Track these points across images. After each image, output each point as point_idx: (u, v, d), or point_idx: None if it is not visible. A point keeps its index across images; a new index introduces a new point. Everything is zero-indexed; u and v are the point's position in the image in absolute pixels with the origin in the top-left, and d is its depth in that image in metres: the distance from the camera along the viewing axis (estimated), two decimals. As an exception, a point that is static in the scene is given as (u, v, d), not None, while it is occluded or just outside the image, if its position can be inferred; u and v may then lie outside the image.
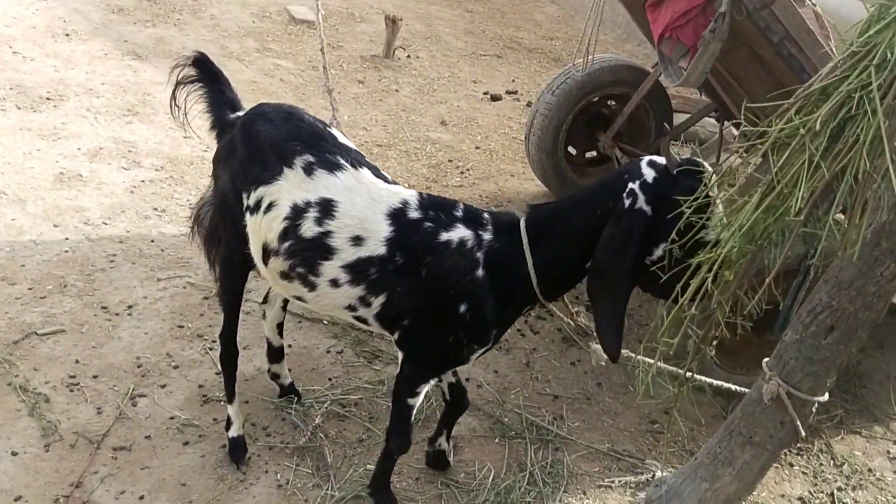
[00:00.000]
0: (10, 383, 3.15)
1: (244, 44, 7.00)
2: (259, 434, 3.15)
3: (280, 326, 3.19)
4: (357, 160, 2.52)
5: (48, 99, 5.39)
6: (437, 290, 2.41)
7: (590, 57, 4.34)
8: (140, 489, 2.82)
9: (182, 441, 3.05)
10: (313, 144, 2.48)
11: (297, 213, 2.43)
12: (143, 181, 4.70)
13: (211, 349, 3.52)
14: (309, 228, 2.42)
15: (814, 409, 2.73)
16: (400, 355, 2.62)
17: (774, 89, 3.70)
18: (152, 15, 7.12)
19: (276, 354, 3.25)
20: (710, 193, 2.25)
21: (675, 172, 2.33)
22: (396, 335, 2.56)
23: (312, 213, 2.41)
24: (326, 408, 3.30)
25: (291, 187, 2.44)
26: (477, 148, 6.05)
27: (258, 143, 2.52)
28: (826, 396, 2.69)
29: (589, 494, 3.16)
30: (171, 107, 2.83)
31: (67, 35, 6.38)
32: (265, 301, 3.17)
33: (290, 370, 3.37)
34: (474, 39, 8.41)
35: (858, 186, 1.89)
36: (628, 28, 8.60)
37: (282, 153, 2.47)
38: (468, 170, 5.68)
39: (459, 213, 2.48)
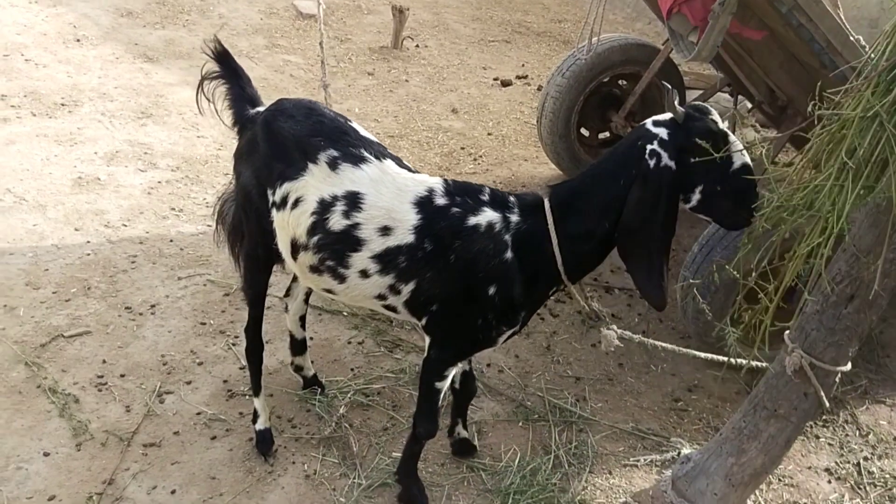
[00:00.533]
0: (39, 385, 3.21)
1: (253, 41, 7.03)
2: (285, 426, 3.19)
3: (302, 319, 3.23)
4: (380, 152, 2.54)
5: (63, 105, 5.45)
6: (467, 274, 2.43)
7: (598, 37, 4.31)
8: (171, 484, 2.86)
9: (210, 436, 3.09)
10: (336, 139, 2.51)
11: (325, 207, 2.46)
12: (159, 182, 4.75)
13: (234, 345, 3.57)
14: (337, 222, 2.44)
15: (837, 380, 2.71)
16: (427, 340, 2.65)
17: (786, 60, 3.69)
18: (161, 17, 7.17)
19: (299, 347, 3.28)
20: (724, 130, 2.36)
21: (682, 121, 2.37)
22: (424, 320, 2.59)
23: (340, 207, 2.44)
24: (350, 398, 3.33)
25: (317, 182, 2.47)
26: (489, 134, 6.04)
27: (281, 140, 2.54)
28: (849, 366, 2.68)
29: (615, 474, 3.17)
30: (197, 102, 2.84)
31: (78, 41, 6.44)
32: (287, 294, 3.20)
33: (312, 362, 3.40)
34: (482, 26, 8.38)
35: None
36: (637, 7, 8.54)
37: (305, 149, 2.50)
38: (481, 156, 5.68)
39: (486, 197, 2.49)
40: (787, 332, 2.79)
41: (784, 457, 3.03)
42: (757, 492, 3.09)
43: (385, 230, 2.43)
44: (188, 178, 4.84)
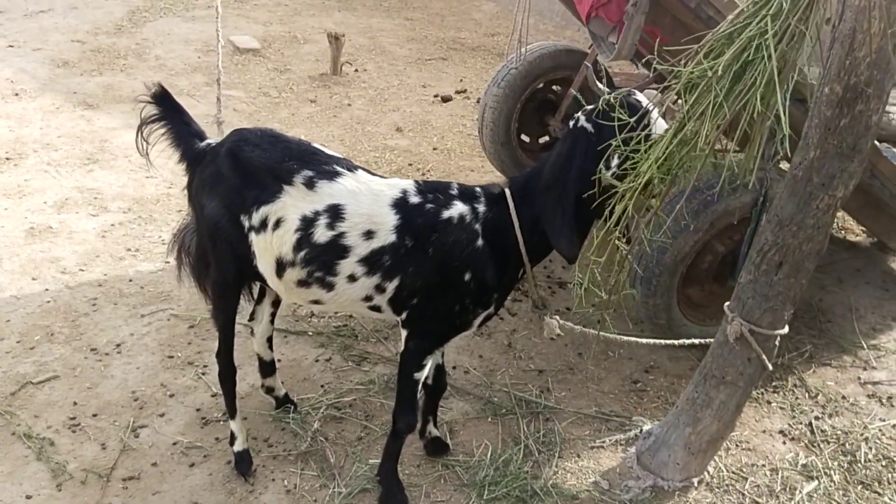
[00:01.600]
0: (13, 433, 3.23)
1: (192, 79, 7.10)
2: (262, 446, 3.26)
3: (270, 341, 3.31)
4: (350, 165, 2.73)
5: (7, 159, 5.45)
6: (445, 264, 2.63)
7: (526, 47, 4.51)
8: (154, 513, 2.92)
9: (188, 463, 3.15)
10: (307, 160, 2.68)
11: (308, 223, 2.61)
12: (112, 225, 4.79)
13: (203, 374, 3.63)
14: (322, 234, 2.61)
15: (777, 343, 2.90)
16: (403, 334, 2.79)
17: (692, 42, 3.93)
18: (98, 64, 7.20)
19: (268, 368, 3.36)
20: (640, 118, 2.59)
21: (609, 98, 2.59)
22: (405, 314, 2.75)
23: (323, 220, 2.60)
24: (323, 413, 3.42)
25: (295, 202, 2.62)
26: (434, 149, 6.21)
27: (251, 168, 2.68)
28: (786, 329, 2.87)
29: (583, 456, 3.31)
30: (137, 145, 2.94)
31: (17, 94, 6.44)
32: (252, 318, 3.28)
33: (282, 382, 3.49)
34: (418, 45, 8.58)
35: (755, 123, 2.11)
36: (566, 16, 8.83)
37: (278, 173, 2.65)
38: (428, 171, 5.83)
39: (455, 192, 2.72)
40: (727, 303, 2.99)
41: (737, 422, 3.23)
42: (716, 458, 3.27)
43: (369, 234, 2.62)
44: (141, 218, 4.89)
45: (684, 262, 3.69)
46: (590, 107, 2.67)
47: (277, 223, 2.65)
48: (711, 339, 3.09)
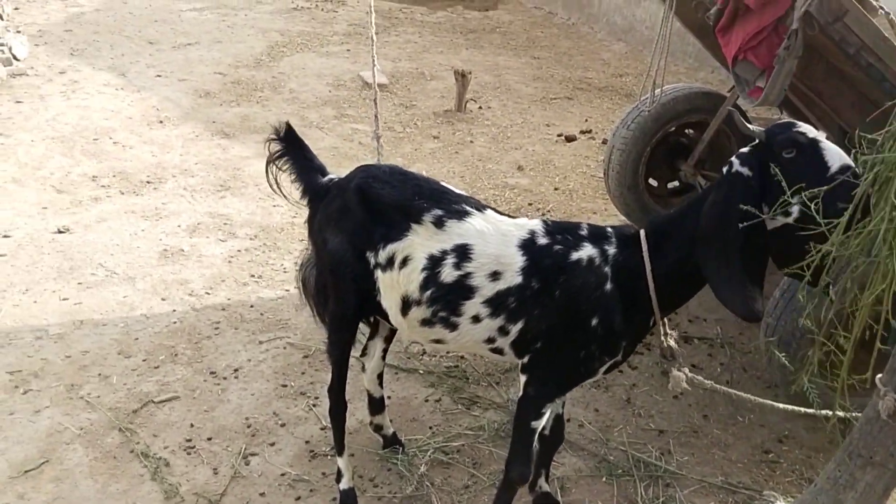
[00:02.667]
0: (132, 450, 3.32)
1: (322, 112, 7.32)
2: (367, 486, 3.21)
3: (380, 377, 3.27)
4: (478, 205, 2.69)
5: (148, 182, 5.76)
6: (571, 308, 2.52)
7: (661, 88, 4.34)
8: (258, 545, 2.90)
9: (294, 496, 3.13)
10: (438, 199, 2.66)
11: (435, 262, 2.59)
12: (239, 251, 4.94)
13: (314, 405, 3.63)
14: (449, 274, 2.57)
15: (939, 425, 2.58)
16: (522, 380, 2.68)
17: (857, 101, 3.64)
18: (236, 95, 7.56)
19: (377, 406, 3.32)
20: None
21: (765, 138, 2.36)
22: (527, 359, 2.65)
23: (450, 260, 2.57)
24: (430, 456, 3.34)
25: (423, 241, 2.60)
26: (556, 189, 6.09)
27: (379, 205, 2.68)
28: (951, 410, 2.54)
29: (706, 530, 3.06)
30: (268, 180, 3.01)
31: (161, 122, 6.83)
32: (363, 354, 3.26)
33: (391, 420, 3.43)
34: (543, 84, 8.53)
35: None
36: (699, 56, 8.55)
37: (408, 211, 2.64)
38: (549, 211, 5.71)
39: (584, 233, 2.61)
40: (879, 375, 2.69)
41: (886, 508, 2.88)
42: (860, 547, 2.92)
43: (495, 275, 2.55)
44: (266, 245, 5.02)
45: (831, 324, 3.37)
46: (745, 149, 2.44)
47: (405, 261, 2.62)
48: (859, 414, 2.79)
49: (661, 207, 5.14)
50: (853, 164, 2.30)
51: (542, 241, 2.58)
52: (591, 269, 2.52)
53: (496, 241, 2.57)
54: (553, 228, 2.62)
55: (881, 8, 3.41)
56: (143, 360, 3.89)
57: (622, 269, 2.53)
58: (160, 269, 4.69)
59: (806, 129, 2.37)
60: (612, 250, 2.55)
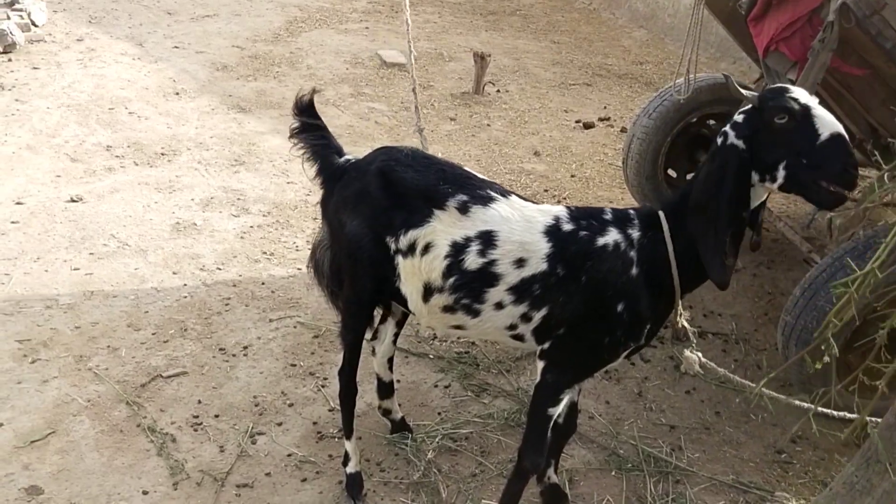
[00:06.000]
0: (139, 424, 3.30)
1: (339, 90, 7.25)
2: (374, 469, 3.18)
3: (390, 362, 3.23)
4: (503, 190, 2.65)
5: (163, 154, 5.72)
6: (597, 294, 2.50)
7: (687, 78, 4.25)
8: (263, 526, 2.88)
9: (300, 478, 3.11)
10: (462, 184, 2.62)
11: (458, 249, 2.55)
12: (251, 227, 4.90)
13: (323, 386, 3.60)
14: (473, 261, 2.53)
15: (962, 434, 2.52)
16: (540, 366, 2.65)
17: (888, 98, 3.55)
18: (254, 70, 7.49)
19: (386, 390, 3.28)
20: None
21: (758, 104, 2.36)
22: (547, 345, 2.62)
23: (474, 247, 2.53)
24: (438, 442, 3.31)
25: (446, 227, 2.57)
26: (572, 176, 6.01)
27: (401, 189, 2.64)
28: (975, 419, 2.49)
29: (715, 529, 3.02)
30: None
31: (177, 94, 6.78)
32: (374, 337, 3.22)
33: (399, 405, 3.40)
34: (562, 69, 8.41)
35: None
36: (722, 46, 8.41)
37: (431, 196, 2.60)
38: (564, 198, 5.64)
39: (609, 217, 2.58)
40: (904, 381, 2.63)
41: (902, 516, 2.83)
42: (872, 553, 2.88)
43: (520, 262, 2.52)
44: (279, 222, 4.98)
45: (851, 327, 3.31)
46: (738, 116, 2.41)
47: (427, 248, 2.59)
48: (879, 420, 2.73)
49: (680, 199, 5.07)
50: (844, 132, 2.32)
51: (567, 226, 2.54)
52: (617, 255, 2.50)
53: (521, 227, 2.54)
54: (577, 214, 2.59)
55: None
56: (153, 334, 3.87)
57: (647, 253, 2.51)
58: (172, 243, 4.65)
59: (798, 94, 2.36)
60: (635, 234, 2.54)
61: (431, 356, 3.86)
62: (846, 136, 2.33)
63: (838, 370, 3.48)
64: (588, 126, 6.97)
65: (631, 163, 4.94)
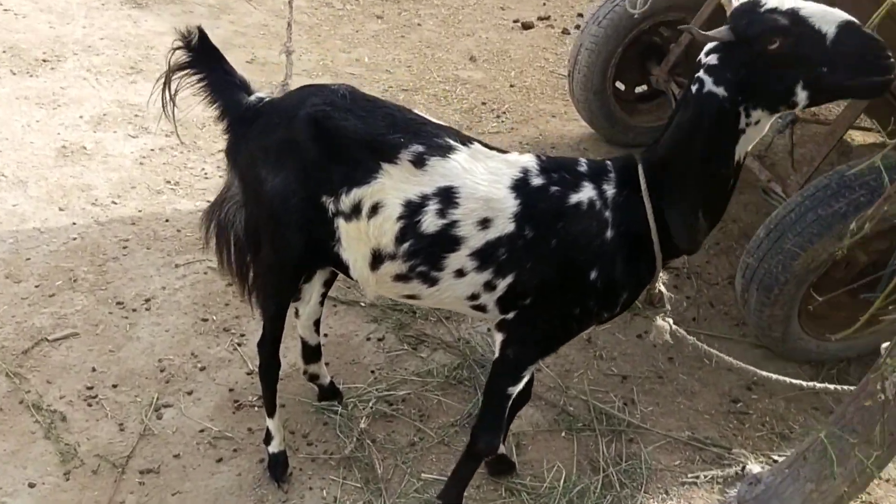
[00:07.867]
0: (21, 401, 2.85)
1: (252, -19, 6.44)
2: (300, 443, 2.84)
3: (317, 324, 2.82)
4: (464, 137, 2.25)
5: (45, 61, 4.96)
6: (568, 259, 2.20)
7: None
8: (173, 519, 2.53)
9: (215, 458, 2.75)
10: (416, 132, 2.19)
11: (413, 209, 2.17)
12: (152, 150, 4.30)
13: (240, 345, 3.19)
14: (431, 223, 2.17)
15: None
16: (499, 338, 2.35)
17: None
18: (150, -45, 6.56)
19: (312, 354, 2.89)
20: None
21: (733, 37, 1.98)
22: (511, 315, 2.30)
23: (433, 206, 2.16)
24: (372, 408, 2.97)
25: (398, 184, 2.16)
26: (511, 86, 5.52)
27: (340, 140, 2.19)
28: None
29: (672, 494, 2.82)
30: (163, 104, 2.53)
31: (59, -17, 5.87)
32: (297, 298, 2.78)
33: (327, 364, 3.03)
34: (499, -40, 7.72)
35: None
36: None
37: (378, 148, 2.17)
38: (504, 112, 5.18)
39: (584, 169, 2.25)
40: (884, 345, 2.40)
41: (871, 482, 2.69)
42: (835, 516, 2.74)
43: (484, 223, 2.17)
44: (184, 144, 4.38)
45: (817, 271, 3.07)
46: (712, 58, 2.00)
47: (374, 209, 2.17)
48: (852, 388, 2.53)
49: (627, 114, 4.70)
50: (850, 17, 1.94)
51: (537, 180, 2.19)
52: (591, 214, 2.17)
53: (485, 181, 2.17)
54: (548, 165, 2.24)
55: None
56: (36, 287, 3.34)
57: (623, 212, 2.19)
58: (57, 171, 4.03)
59: (773, 4, 1.95)
60: (611, 190, 2.19)
61: (363, 304, 3.47)
62: (855, 21, 1.95)
63: (800, 314, 3.29)
64: (527, 26, 6.43)
65: (578, 76, 4.49)
